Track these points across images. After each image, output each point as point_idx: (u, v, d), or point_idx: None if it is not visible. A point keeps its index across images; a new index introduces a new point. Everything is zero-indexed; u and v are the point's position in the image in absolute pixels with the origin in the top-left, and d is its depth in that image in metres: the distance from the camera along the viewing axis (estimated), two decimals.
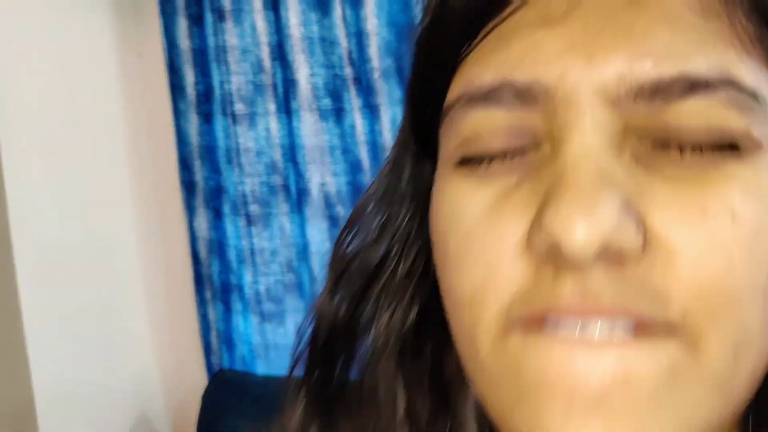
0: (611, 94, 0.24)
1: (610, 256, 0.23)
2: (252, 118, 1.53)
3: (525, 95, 0.25)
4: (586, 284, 0.24)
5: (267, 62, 1.52)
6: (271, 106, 1.53)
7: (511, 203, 0.26)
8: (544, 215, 0.24)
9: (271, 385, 1.50)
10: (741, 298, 0.24)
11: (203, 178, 1.57)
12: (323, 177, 1.51)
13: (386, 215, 0.36)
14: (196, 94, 1.56)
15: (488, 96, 0.26)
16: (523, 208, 0.25)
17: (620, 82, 0.24)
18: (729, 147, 0.24)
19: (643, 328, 0.24)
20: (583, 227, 0.22)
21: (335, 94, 1.49)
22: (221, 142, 1.55)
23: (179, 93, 1.57)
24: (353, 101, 1.48)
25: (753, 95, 0.24)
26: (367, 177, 1.49)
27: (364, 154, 1.49)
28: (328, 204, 1.52)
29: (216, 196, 1.57)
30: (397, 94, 1.46)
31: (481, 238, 0.26)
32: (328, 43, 1.48)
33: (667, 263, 0.24)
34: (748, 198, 0.24)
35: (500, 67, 0.26)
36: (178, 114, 1.57)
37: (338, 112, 1.49)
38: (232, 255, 1.58)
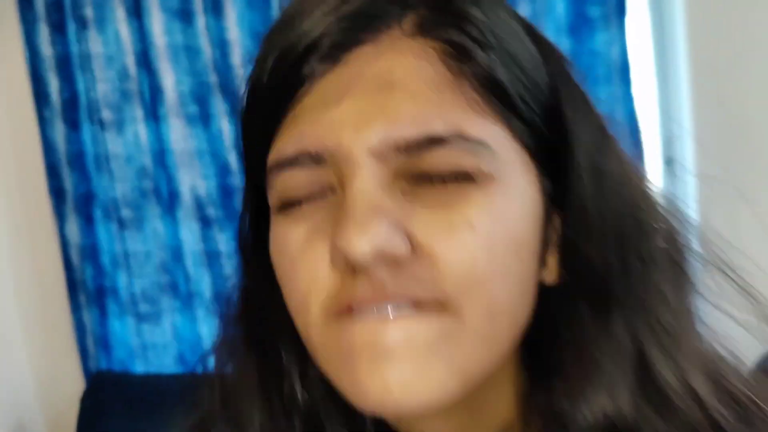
0: (375, 152, 0.34)
1: (388, 260, 0.33)
2: (120, 124, 1.57)
3: (317, 159, 0.35)
4: (373, 281, 0.33)
5: (132, 70, 1.55)
6: (139, 113, 1.56)
7: (318, 235, 0.35)
8: (334, 238, 0.33)
9: (151, 384, 1.55)
10: (485, 281, 0.34)
11: (73, 185, 1.59)
12: (193, 180, 1.57)
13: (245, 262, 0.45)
14: (61, 101, 1.57)
15: (292, 162, 0.36)
16: (326, 237, 0.35)
17: (381, 144, 0.34)
18: (468, 179, 0.34)
19: (419, 306, 0.34)
20: (359, 242, 0.32)
21: (201, 100, 1.55)
22: (89, 148, 1.57)
23: (44, 101, 1.57)
24: (219, 107, 1.54)
25: (480, 143, 0.34)
26: (236, 179, 1.56)
27: (232, 157, 1.56)
28: (200, 206, 1.58)
29: (86, 202, 1.59)
30: None
31: (300, 262, 0.36)
32: (192, 51, 1.54)
33: (429, 262, 0.34)
34: (482, 213, 0.34)
35: (297, 142, 0.35)
36: (43, 122, 1.58)
37: (205, 118, 1.56)
38: (106, 259, 1.61)
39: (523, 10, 1.46)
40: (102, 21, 1.54)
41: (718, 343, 0.39)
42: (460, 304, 0.34)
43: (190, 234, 1.58)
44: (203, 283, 1.60)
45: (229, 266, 1.57)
